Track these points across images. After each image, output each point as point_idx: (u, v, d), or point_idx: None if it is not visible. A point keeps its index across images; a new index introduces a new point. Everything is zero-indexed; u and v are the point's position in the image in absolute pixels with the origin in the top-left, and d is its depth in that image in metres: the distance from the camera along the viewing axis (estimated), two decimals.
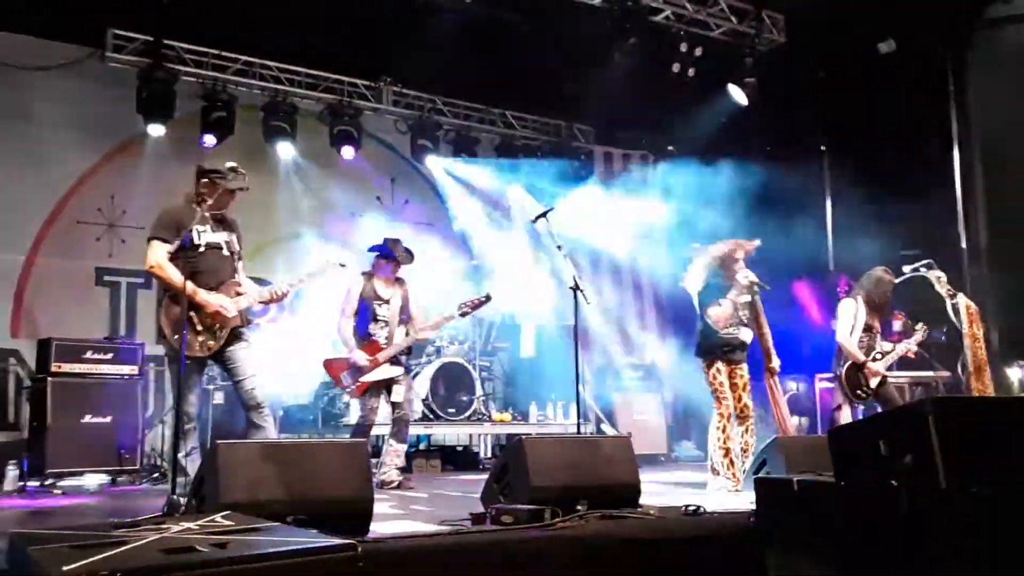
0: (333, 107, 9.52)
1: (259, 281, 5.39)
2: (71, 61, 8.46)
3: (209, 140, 8.71)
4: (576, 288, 5.24)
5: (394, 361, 6.16)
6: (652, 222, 11.42)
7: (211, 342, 4.62)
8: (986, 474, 2.90)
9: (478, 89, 10.21)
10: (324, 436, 7.56)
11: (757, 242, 5.87)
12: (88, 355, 6.75)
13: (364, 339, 6.13)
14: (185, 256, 4.55)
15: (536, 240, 9.18)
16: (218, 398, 7.22)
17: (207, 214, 4.64)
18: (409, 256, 6.39)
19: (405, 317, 6.30)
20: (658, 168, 11.71)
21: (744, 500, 4.63)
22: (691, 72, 8.71)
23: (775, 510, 3.46)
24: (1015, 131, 7.62)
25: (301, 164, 9.59)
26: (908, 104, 8.16)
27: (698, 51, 8.69)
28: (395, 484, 6.06)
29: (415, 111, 10.11)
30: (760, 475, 4.58)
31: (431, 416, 7.83)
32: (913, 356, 6.45)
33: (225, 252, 4.81)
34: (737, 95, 9.02)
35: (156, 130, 8.56)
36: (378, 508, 3.68)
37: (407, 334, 6.26)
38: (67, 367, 6.62)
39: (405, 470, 7.87)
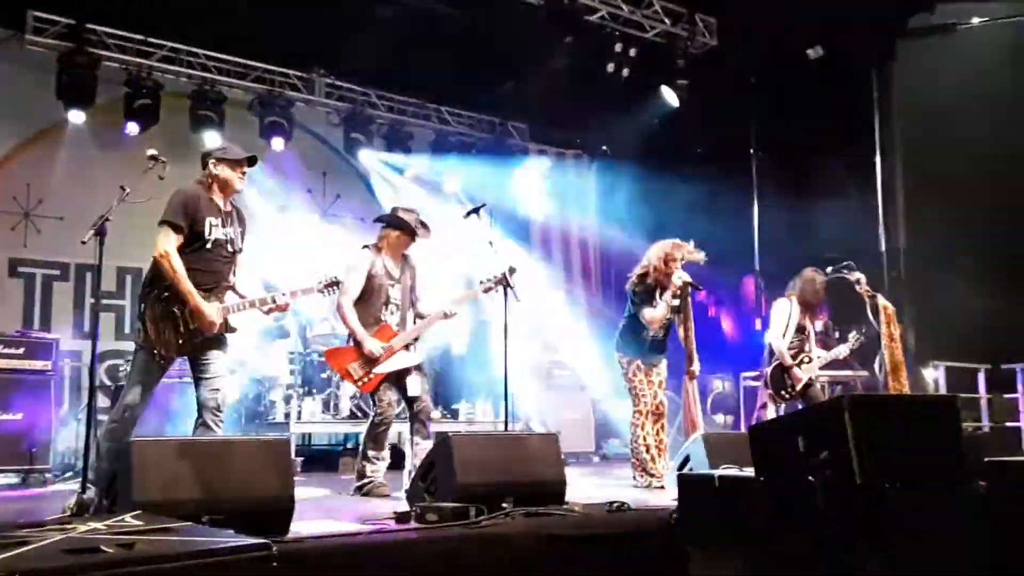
0: (263, 97, 9.33)
1: None
2: None
3: (132, 128, 8.45)
4: (507, 285, 5.22)
5: (407, 347, 5.44)
6: (584, 221, 11.55)
7: (187, 346, 4.34)
8: (900, 470, 2.98)
9: (413, 83, 10.12)
10: (248, 434, 7.37)
11: (702, 255, 5.90)
12: None
13: (374, 325, 5.36)
14: (188, 249, 4.28)
15: (468, 236, 9.12)
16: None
17: (220, 204, 4.40)
18: (426, 229, 5.60)
19: (414, 297, 5.58)
20: (592, 167, 11.83)
21: (668, 496, 4.68)
22: (625, 72, 8.79)
23: (697, 505, 3.50)
24: (935, 137, 7.89)
25: None
26: (834, 109, 8.37)
27: (632, 52, 8.78)
28: None
29: (348, 104, 9.97)
30: (684, 471, 4.64)
31: (359, 414, 7.72)
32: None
33: (229, 250, 4.48)
34: (669, 96, 9.14)
35: (76, 117, 8.27)
36: (302, 506, 3.60)
37: (416, 318, 5.54)
38: None
39: (331, 469, 7.81)
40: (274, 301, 4.56)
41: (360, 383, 5.38)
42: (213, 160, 4.50)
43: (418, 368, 5.47)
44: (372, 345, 5.26)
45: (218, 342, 4.43)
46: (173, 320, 4.24)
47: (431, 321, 5.49)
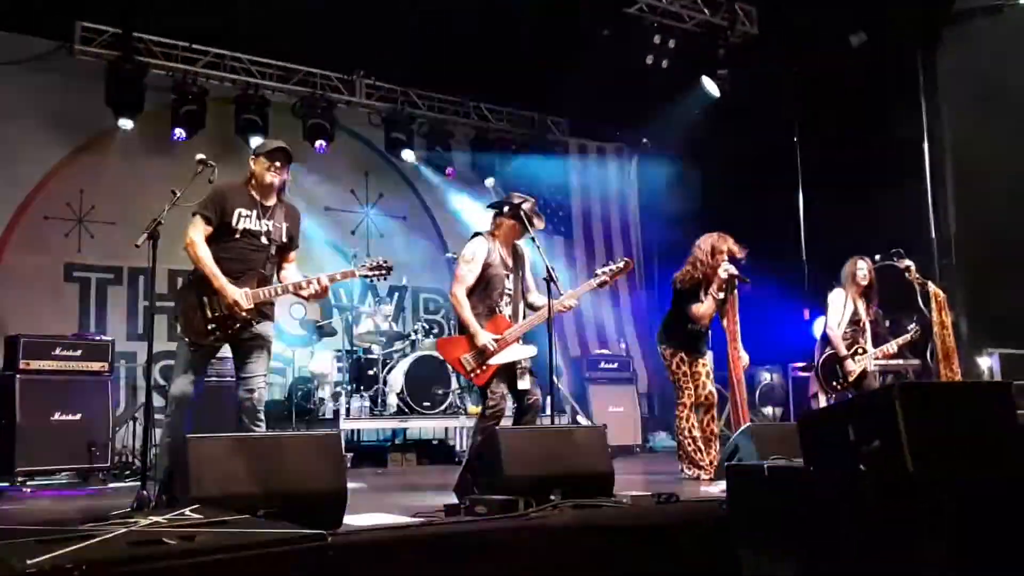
0: (306, 100, 9.45)
1: None
2: (39, 55, 8.34)
3: (179, 134, 8.62)
4: (549, 279, 5.22)
5: (519, 339, 5.14)
6: (626, 214, 11.52)
7: (219, 332, 4.41)
8: (953, 459, 2.94)
9: (452, 81, 10.17)
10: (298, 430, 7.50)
11: (741, 250, 5.84)
12: (57, 352, 6.61)
13: (488, 316, 5.10)
14: (219, 239, 4.42)
15: None
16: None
17: (256, 196, 4.54)
18: (540, 219, 5.30)
19: (525, 288, 5.32)
20: (633, 160, 11.80)
21: (717, 488, 4.66)
22: (664, 64, 8.74)
23: (746, 496, 3.48)
24: (984, 121, 7.72)
25: None
26: (879, 96, 8.23)
27: (671, 43, 8.72)
28: None
29: (389, 104, 10.06)
30: (732, 462, 4.61)
31: (406, 410, 7.81)
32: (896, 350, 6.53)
33: (263, 241, 4.55)
34: (710, 87, 9.06)
35: (125, 124, 8.46)
36: (353, 500, 3.66)
37: (527, 309, 5.28)
38: (35, 364, 6.48)
39: (380, 464, 7.91)
40: (310, 285, 4.56)
41: (473, 375, 5.10)
42: (252, 157, 4.67)
43: (528, 361, 5.18)
44: (485, 339, 5.00)
45: (255, 334, 4.50)
46: (200, 307, 4.38)
47: (543, 316, 5.15)
